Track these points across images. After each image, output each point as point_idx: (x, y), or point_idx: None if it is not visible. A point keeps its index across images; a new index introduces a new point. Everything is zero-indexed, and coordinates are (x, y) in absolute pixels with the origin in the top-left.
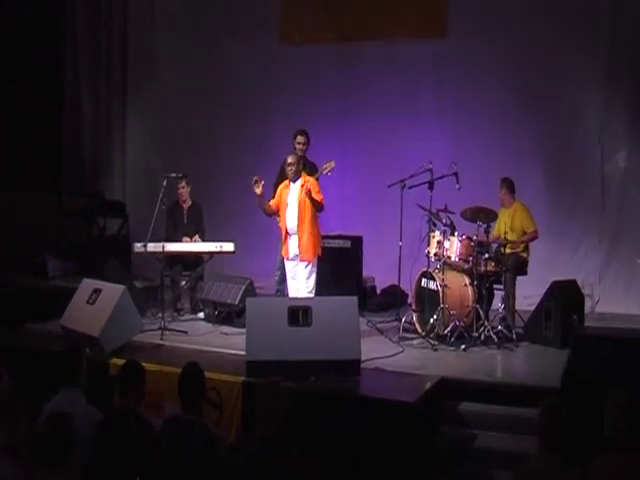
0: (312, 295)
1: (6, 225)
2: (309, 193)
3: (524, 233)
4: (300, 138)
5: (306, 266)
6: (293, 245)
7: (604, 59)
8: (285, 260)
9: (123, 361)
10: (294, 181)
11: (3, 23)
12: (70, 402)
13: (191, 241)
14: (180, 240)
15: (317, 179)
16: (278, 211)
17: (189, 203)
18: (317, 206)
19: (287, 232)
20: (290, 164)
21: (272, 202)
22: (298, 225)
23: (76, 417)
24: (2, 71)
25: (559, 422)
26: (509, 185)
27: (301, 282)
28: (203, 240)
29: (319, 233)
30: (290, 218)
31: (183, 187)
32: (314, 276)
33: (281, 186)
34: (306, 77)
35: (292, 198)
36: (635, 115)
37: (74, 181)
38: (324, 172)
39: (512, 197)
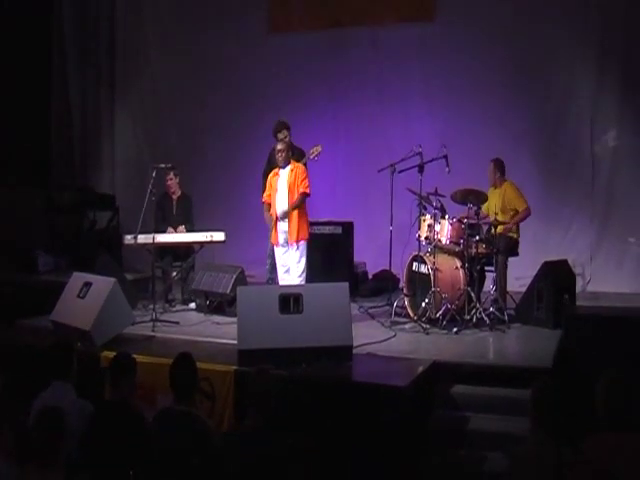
0: (302, 279)
1: None
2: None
3: (516, 212)
4: (280, 135)
5: (297, 249)
6: (283, 230)
7: (594, 38)
8: (275, 247)
9: (114, 354)
10: (284, 167)
11: None
12: (61, 396)
13: (175, 232)
14: (165, 230)
15: (305, 164)
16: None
17: (178, 194)
18: (303, 197)
19: (277, 218)
20: (280, 150)
21: (265, 196)
22: (288, 209)
23: (67, 411)
24: None
25: (550, 402)
26: (499, 165)
27: (292, 267)
28: (190, 231)
29: (307, 217)
30: (280, 203)
31: (171, 179)
32: (304, 260)
33: (270, 174)
34: (295, 64)
35: (282, 184)
36: (626, 96)
37: (63, 176)
38: (311, 157)
39: (502, 177)
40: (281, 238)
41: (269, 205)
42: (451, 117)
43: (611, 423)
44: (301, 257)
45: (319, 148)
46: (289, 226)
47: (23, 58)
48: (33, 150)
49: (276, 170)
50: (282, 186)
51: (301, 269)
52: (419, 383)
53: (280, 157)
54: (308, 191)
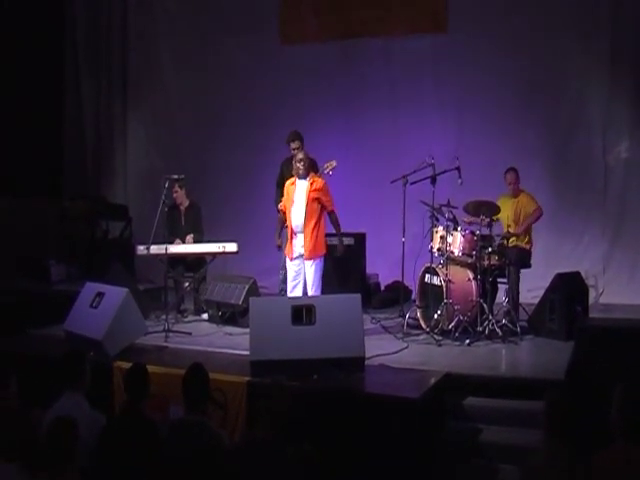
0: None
1: (9, 230)
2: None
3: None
4: (293, 144)
5: (311, 265)
6: (298, 244)
7: (606, 50)
8: (288, 260)
9: (127, 364)
10: (303, 178)
11: (2, 25)
12: (74, 406)
13: (183, 242)
14: (172, 241)
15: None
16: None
17: (186, 204)
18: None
19: (293, 231)
20: (301, 160)
21: (280, 205)
22: (305, 223)
23: (80, 421)
24: (2, 75)
25: (564, 414)
26: (517, 174)
27: (307, 282)
28: (198, 242)
29: (324, 231)
30: (296, 216)
31: (176, 191)
32: (319, 277)
33: (287, 183)
34: (307, 75)
35: (299, 195)
36: (638, 107)
37: (76, 186)
38: (325, 171)
39: (519, 186)
40: (296, 251)
41: (284, 213)
42: (464, 128)
43: (626, 436)
44: (316, 273)
45: (333, 163)
46: (305, 241)
47: (37, 70)
48: (47, 160)
49: (293, 180)
50: (299, 198)
51: (315, 286)
52: (431, 395)
53: (301, 167)
54: (330, 207)
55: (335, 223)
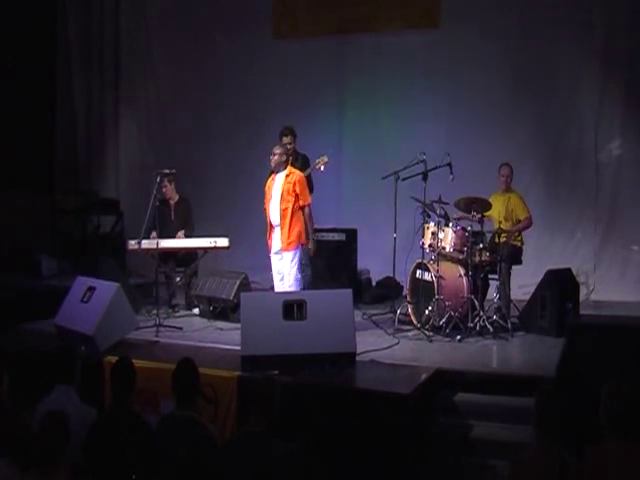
0: (295, 289)
1: (1, 225)
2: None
3: (518, 221)
4: (286, 139)
5: (290, 258)
6: (277, 237)
7: (598, 48)
8: (270, 255)
9: (116, 359)
10: (278, 172)
11: None
12: (64, 400)
13: (156, 237)
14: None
15: (310, 174)
16: None
17: (175, 199)
18: (306, 210)
19: (271, 225)
20: (273, 154)
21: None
22: (281, 216)
23: (70, 416)
24: None
25: (554, 410)
26: (511, 170)
27: (284, 274)
28: (188, 236)
29: (303, 223)
30: (274, 209)
31: (165, 186)
32: (297, 269)
33: (268, 180)
34: (300, 71)
35: (276, 189)
36: (629, 105)
37: (68, 180)
38: (317, 167)
39: (510, 183)
40: (276, 246)
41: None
42: (455, 124)
43: (615, 433)
44: (293, 266)
45: (325, 158)
46: (282, 232)
47: (28, 63)
48: (38, 154)
49: (273, 176)
50: (276, 191)
51: (292, 278)
52: (422, 390)
53: (272, 160)
54: (309, 201)
55: (307, 218)
